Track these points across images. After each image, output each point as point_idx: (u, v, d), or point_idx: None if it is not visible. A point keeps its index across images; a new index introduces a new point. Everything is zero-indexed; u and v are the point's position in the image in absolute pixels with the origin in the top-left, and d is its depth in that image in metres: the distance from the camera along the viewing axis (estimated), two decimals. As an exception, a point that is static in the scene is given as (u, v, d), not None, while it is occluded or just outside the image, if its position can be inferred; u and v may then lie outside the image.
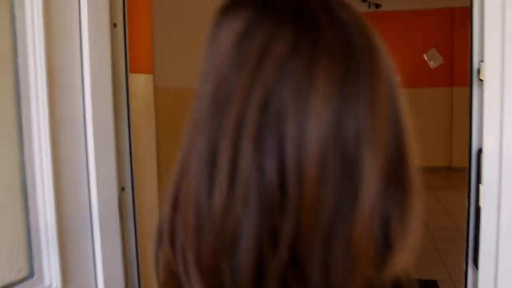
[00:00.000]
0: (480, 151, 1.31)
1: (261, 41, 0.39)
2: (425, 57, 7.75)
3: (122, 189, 1.58)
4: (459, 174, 7.34)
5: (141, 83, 2.03)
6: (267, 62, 0.38)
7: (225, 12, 0.43)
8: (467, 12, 1.39)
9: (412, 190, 0.40)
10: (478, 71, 1.34)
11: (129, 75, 1.60)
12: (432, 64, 7.74)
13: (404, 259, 0.39)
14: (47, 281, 1.31)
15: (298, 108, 0.37)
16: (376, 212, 0.37)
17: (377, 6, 7.40)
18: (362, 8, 7.83)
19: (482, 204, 1.29)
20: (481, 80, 1.32)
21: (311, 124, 0.36)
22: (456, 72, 7.65)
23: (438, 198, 5.87)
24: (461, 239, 1.42)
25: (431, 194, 5.87)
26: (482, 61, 1.31)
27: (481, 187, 1.28)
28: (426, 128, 7.85)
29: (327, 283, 0.36)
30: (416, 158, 0.41)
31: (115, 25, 1.52)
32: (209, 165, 0.39)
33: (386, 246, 0.38)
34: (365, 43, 0.42)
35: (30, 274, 1.29)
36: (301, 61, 0.38)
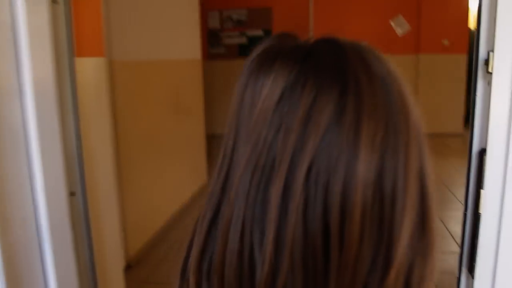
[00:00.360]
0: (483, 152, 1.16)
1: (306, 105, 0.39)
2: (392, 24, 7.61)
3: (71, 194, 1.37)
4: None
5: (91, 68, 1.76)
6: (313, 128, 0.38)
7: (264, 65, 0.43)
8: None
9: (433, 239, 0.41)
10: (486, 62, 1.17)
11: (76, 60, 1.35)
12: (399, 31, 7.62)
13: None
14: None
15: (343, 174, 0.37)
16: (405, 265, 0.39)
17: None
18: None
19: (482, 210, 1.15)
20: (489, 73, 1.15)
21: (354, 191, 0.37)
22: (423, 39, 7.56)
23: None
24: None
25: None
26: (491, 51, 1.13)
27: (482, 192, 1.15)
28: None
29: None
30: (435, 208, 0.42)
31: (54, 1, 1.26)
32: (254, 232, 0.40)
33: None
34: (401, 103, 0.41)
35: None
36: (346, 127, 0.38)
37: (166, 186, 3.88)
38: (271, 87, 0.41)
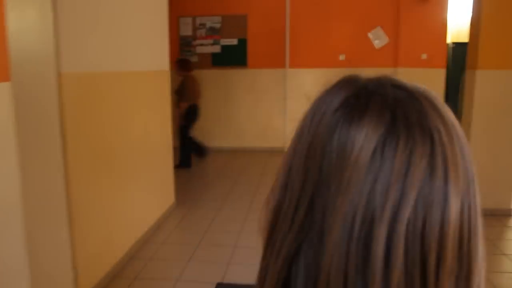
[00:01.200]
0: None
1: (402, 161, 0.41)
2: (370, 36, 7.41)
3: None
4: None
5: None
6: (411, 181, 0.40)
7: (354, 120, 0.44)
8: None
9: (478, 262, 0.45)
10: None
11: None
12: (377, 43, 7.42)
13: None
14: None
15: (439, 220, 0.40)
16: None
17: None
18: (306, -20, 7.32)
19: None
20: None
21: (447, 235, 0.41)
22: (402, 53, 7.37)
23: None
24: None
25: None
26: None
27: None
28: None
29: None
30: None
31: None
32: (357, 283, 0.41)
33: None
34: (467, 149, 0.45)
35: None
36: (438, 178, 0.41)
37: (126, 210, 3.48)
38: (364, 142, 0.42)
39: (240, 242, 3.80)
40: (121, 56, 3.37)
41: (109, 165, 3.18)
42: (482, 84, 4.28)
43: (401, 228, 0.40)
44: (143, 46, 3.81)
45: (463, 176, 0.43)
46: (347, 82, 0.49)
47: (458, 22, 8.08)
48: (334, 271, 0.41)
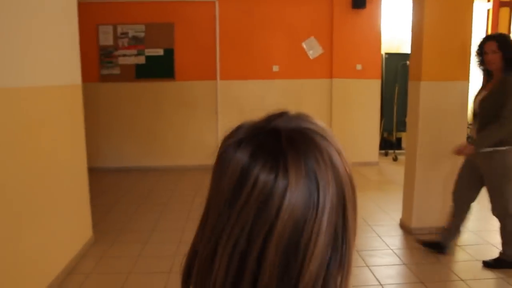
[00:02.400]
0: None
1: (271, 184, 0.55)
2: (304, 46, 7.12)
3: None
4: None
5: None
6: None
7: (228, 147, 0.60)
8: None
9: (352, 249, 0.58)
10: None
11: None
12: (311, 54, 7.14)
13: None
14: None
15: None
16: (322, 268, 0.54)
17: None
18: (236, -13, 6.92)
19: None
20: None
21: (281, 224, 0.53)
22: (336, 63, 7.14)
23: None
24: None
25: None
26: None
27: None
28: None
29: None
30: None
31: None
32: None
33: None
34: (351, 190, 0.58)
35: None
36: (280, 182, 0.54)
37: (24, 255, 2.81)
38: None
39: (171, 285, 3.23)
40: (14, 69, 2.71)
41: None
42: (427, 95, 4.05)
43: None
44: (46, 59, 3.16)
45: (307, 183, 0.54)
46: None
47: (390, 33, 8.03)
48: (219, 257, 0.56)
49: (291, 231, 0.52)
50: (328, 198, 0.54)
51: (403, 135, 8.48)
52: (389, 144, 8.26)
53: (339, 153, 0.58)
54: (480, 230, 4.35)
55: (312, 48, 7.16)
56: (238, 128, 0.60)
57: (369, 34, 7.10)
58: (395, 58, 7.74)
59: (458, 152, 3.47)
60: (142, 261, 3.65)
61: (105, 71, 6.97)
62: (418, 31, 4.07)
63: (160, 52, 6.96)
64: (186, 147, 7.14)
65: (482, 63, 3.39)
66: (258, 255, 0.53)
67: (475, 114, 3.48)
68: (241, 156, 0.55)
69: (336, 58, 7.12)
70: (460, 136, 4.15)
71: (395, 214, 4.73)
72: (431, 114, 4.07)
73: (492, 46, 3.25)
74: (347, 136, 6.89)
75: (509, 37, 3.35)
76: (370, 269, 3.49)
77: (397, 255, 3.78)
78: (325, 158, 0.55)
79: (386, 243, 4.01)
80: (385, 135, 8.21)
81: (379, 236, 4.14)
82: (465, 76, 4.07)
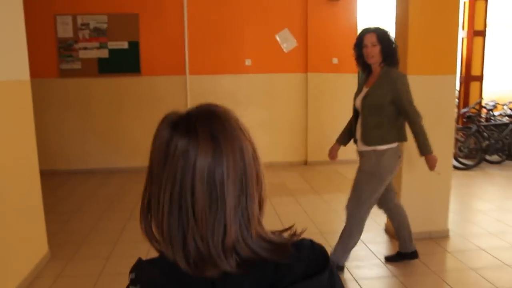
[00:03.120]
0: None
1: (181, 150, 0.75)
2: (278, 39, 6.77)
3: None
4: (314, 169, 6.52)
5: None
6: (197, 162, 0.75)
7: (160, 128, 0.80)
8: None
9: (265, 192, 0.79)
10: None
11: None
12: (285, 47, 6.80)
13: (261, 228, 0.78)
14: None
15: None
16: (237, 208, 0.74)
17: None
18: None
19: None
20: None
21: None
22: (311, 57, 6.83)
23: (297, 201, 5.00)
24: None
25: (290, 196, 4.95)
26: None
27: None
28: (278, 122, 6.95)
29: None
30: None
31: None
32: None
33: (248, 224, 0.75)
34: (239, 140, 0.76)
35: None
36: (203, 155, 0.73)
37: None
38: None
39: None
40: None
41: None
42: (413, 89, 3.76)
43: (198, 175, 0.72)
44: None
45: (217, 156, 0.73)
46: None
47: (365, 25, 7.76)
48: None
49: (207, 174, 0.72)
50: (230, 156, 0.73)
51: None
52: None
53: (240, 124, 0.78)
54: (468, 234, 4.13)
55: (286, 41, 6.81)
56: (164, 117, 0.81)
57: (345, 26, 6.81)
58: (371, 52, 7.49)
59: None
60: (104, 279, 3.24)
61: (64, 66, 6.45)
62: (403, 23, 3.79)
63: (125, 45, 6.49)
64: (154, 147, 6.69)
65: (360, 56, 3.21)
66: (191, 193, 0.72)
67: (356, 112, 3.32)
68: (165, 133, 0.77)
69: (311, 52, 6.81)
70: (447, 132, 3.89)
71: (378, 217, 4.45)
72: (419, 106, 3.79)
73: (371, 38, 3.10)
74: (323, 133, 6.60)
75: (388, 30, 3.19)
76: (358, 284, 3.19)
77: (386, 266, 3.49)
78: (227, 127, 0.75)
79: (372, 252, 3.72)
80: (362, 131, 7.97)
81: (365, 244, 3.85)
82: (452, 70, 3.82)
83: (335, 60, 6.86)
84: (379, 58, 3.11)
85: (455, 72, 3.82)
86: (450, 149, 3.95)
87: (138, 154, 6.68)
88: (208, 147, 0.72)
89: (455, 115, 3.93)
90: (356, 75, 7.12)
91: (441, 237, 3.98)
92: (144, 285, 0.78)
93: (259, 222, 0.77)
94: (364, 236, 4.03)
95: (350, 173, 6.59)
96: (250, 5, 6.64)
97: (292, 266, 0.76)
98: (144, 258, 0.84)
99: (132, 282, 0.80)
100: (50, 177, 6.23)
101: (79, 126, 6.54)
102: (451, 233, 4.03)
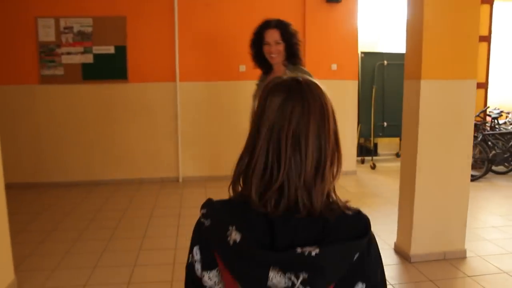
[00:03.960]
0: None
1: (289, 108, 0.90)
2: (274, 44, 6.39)
3: None
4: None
5: None
6: (293, 117, 0.90)
7: (270, 92, 0.93)
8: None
9: (340, 152, 0.96)
10: None
11: None
12: (282, 52, 6.41)
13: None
14: None
15: (305, 132, 0.90)
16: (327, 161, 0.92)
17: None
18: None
19: None
20: None
21: (309, 138, 0.90)
22: (309, 62, 6.44)
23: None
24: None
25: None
26: None
27: None
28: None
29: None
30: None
31: None
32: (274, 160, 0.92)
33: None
34: (326, 108, 0.93)
35: None
36: (305, 115, 0.90)
37: None
38: (275, 100, 0.92)
39: None
40: None
41: None
42: (428, 95, 3.39)
43: (290, 133, 0.89)
44: None
45: (320, 118, 0.91)
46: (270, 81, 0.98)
47: (365, 30, 7.43)
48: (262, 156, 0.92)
49: (316, 136, 0.91)
50: (330, 115, 0.93)
51: (380, 141, 7.90)
52: (366, 150, 7.65)
53: (327, 95, 0.95)
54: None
55: (283, 46, 6.43)
56: (269, 82, 0.97)
57: (345, 31, 6.46)
58: (372, 58, 7.14)
59: None
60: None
61: (46, 72, 6.03)
62: (416, 25, 3.42)
63: (111, 49, 6.08)
64: (141, 158, 6.28)
65: (259, 55, 2.89)
66: (286, 149, 0.89)
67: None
68: (277, 99, 0.92)
69: (309, 57, 6.41)
70: (465, 143, 3.52)
71: (386, 235, 4.05)
72: (433, 117, 3.42)
73: (274, 35, 2.81)
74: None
75: (289, 24, 2.91)
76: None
77: (400, 293, 3.09)
78: (325, 95, 0.94)
79: (384, 276, 3.31)
80: (362, 141, 7.59)
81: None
82: (472, 74, 3.45)
83: (334, 66, 6.49)
84: (283, 57, 2.82)
85: (475, 77, 3.45)
86: (468, 160, 3.57)
87: (124, 166, 6.25)
88: (317, 114, 0.90)
89: (472, 123, 3.54)
90: (357, 82, 6.76)
91: (457, 258, 3.58)
92: (214, 219, 0.92)
93: (333, 180, 0.94)
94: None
95: (351, 185, 6.23)
96: (244, 8, 6.27)
97: (338, 228, 0.89)
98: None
99: (203, 215, 0.94)
100: (27, 190, 5.80)
101: (60, 136, 6.11)
102: (468, 254, 3.63)
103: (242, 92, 6.39)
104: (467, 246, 3.67)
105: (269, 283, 0.82)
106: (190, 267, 0.97)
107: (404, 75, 3.63)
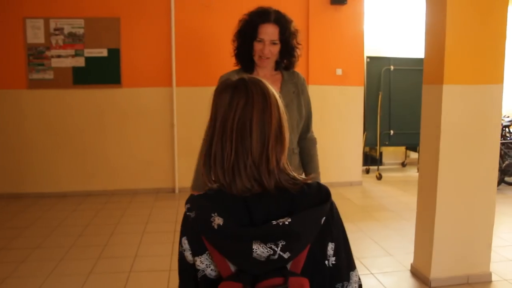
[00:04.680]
0: None
1: (235, 101, 1.06)
2: (276, 48, 6.07)
3: None
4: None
5: None
6: (238, 108, 1.06)
7: (220, 91, 1.11)
8: None
9: (284, 135, 1.09)
10: None
11: None
12: (284, 56, 6.10)
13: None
14: None
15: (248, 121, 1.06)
16: (275, 145, 1.06)
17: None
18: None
19: None
20: None
21: (253, 124, 1.05)
22: (313, 67, 6.12)
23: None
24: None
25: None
26: None
27: None
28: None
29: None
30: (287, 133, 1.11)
31: None
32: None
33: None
34: (269, 103, 1.08)
35: None
36: (249, 107, 1.05)
37: None
38: (224, 98, 1.09)
39: None
40: None
41: None
42: (451, 101, 3.07)
43: (235, 121, 1.05)
44: None
45: (261, 106, 1.05)
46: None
47: (371, 33, 7.12)
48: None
49: (259, 123, 1.05)
50: (273, 105, 1.07)
51: (384, 150, 7.57)
52: (371, 160, 7.32)
53: (270, 89, 1.09)
54: (514, 277, 3.39)
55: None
56: (219, 83, 1.16)
57: (351, 34, 6.14)
58: (378, 62, 6.82)
59: None
60: None
61: (35, 76, 5.69)
62: (438, 28, 3.10)
63: (103, 52, 5.75)
64: (135, 167, 5.92)
65: (247, 53, 2.21)
66: (250, 136, 1.05)
67: None
68: (225, 95, 1.09)
69: (312, 62, 6.10)
70: (492, 152, 3.19)
71: (401, 254, 3.72)
72: (456, 125, 3.09)
73: (272, 33, 2.10)
74: (326, 152, 5.86)
75: (291, 20, 2.17)
76: None
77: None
78: (269, 89, 1.08)
79: (402, 304, 2.97)
80: (367, 150, 7.26)
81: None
82: (498, 79, 3.13)
83: (339, 71, 6.16)
84: (273, 62, 2.18)
85: (501, 81, 3.12)
86: (494, 173, 3.24)
87: (116, 176, 5.89)
88: (259, 104, 1.06)
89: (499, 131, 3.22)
90: (363, 87, 6.43)
91: (482, 282, 3.24)
92: (197, 210, 1.05)
93: (286, 160, 1.09)
94: (386, 280, 3.29)
95: (357, 197, 5.89)
96: (245, 9, 5.94)
97: (304, 198, 1.05)
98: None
99: (188, 209, 1.07)
100: (13, 201, 5.45)
101: (50, 144, 5.75)
102: (494, 277, 3.29)
103: (242, 98, 6.07)
104: (492, 268, 3.33)
105: (254, 255, 0.97)
106: (181, 256, 1.12)
107: (423, 80, 3.30)
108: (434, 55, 3.15)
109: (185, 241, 1.09)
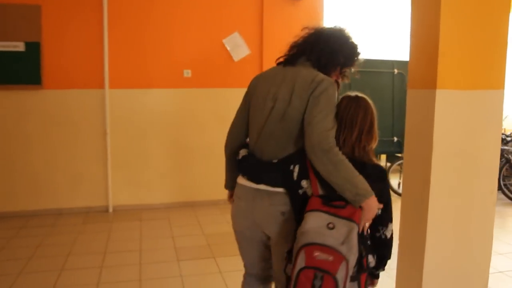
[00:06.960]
0: None
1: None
2: (226, 45, 5.39)
3: None
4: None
5: None
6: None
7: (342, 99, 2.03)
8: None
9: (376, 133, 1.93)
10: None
11: None
12: (235, 55, 5.43)
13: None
14: None
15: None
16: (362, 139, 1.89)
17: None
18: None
19: None
20: None
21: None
22: (267, 67, 5.46)
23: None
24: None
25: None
26: None
27: None
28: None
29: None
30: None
31: None
32: None
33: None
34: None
35: None
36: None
37: None
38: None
39: None
40: None
41: None
42: (445, 107, 2.49)
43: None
44: None
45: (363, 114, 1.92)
46: None
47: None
48: None
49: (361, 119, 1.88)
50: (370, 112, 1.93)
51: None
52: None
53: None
54: None
55: (236, 48, 5.44)
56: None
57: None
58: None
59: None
60: None
61: None
62: (429, 29, 2.53)
63: (20, 46, 4.82)
64: (60, 183, 5.03)
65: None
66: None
67: None
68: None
69: (267, 61, 5.46)
70: (491, 163, 2.65)
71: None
72: (452, 134, 2.51)
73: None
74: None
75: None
76: None
77: None
78: (369, 102, 1.95)
79: None
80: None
81: None
82: (499, 84, 2.60)
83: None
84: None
85: (502, 87, 2.59)
86: (493, 196, 2.69)
87: (39, 193, 4.98)
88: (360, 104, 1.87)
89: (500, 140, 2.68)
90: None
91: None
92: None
93: (371, 148, 1.89)
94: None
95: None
96: (194, 5, 5.23)
97: (370, 171, 1.81)
98: None
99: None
100: None
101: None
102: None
103: (187, 101, 5.33)
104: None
105: None
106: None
107: (407, 83, 2.70)
108: (423, 55, 2.56)
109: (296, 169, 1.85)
